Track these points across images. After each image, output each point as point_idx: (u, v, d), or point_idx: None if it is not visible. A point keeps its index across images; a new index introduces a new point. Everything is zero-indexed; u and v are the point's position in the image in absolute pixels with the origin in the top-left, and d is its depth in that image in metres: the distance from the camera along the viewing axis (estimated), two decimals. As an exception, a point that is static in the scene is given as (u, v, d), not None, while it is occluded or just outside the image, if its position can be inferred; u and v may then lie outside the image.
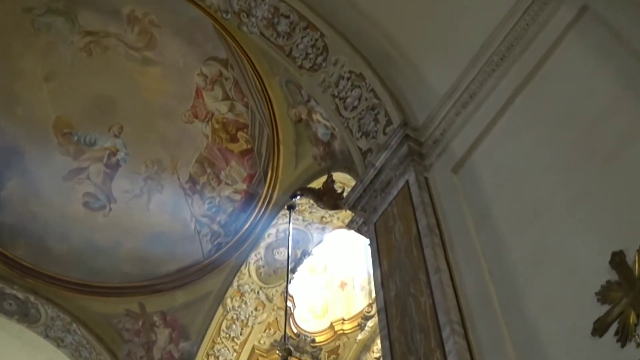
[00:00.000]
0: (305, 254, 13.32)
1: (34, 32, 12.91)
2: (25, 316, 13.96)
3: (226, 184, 13.80)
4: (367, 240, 8.73)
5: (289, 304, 13.67)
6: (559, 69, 6.68)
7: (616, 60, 6.00)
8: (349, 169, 10.43)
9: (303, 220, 12.77)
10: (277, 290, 13.67)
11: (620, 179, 5.39)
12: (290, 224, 11.95)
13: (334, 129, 10.58)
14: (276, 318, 13.88)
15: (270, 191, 12.92)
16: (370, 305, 14.46)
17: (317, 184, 11.43)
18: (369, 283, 14.97)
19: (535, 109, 6.79)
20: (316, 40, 9.73)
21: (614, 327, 4.71)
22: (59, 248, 14.11)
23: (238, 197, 13.70)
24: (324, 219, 12.77)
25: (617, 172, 5.44)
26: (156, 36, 12.98)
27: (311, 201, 11.87)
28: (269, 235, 13.23)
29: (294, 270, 13.19)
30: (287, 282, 12.09)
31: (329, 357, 14.52)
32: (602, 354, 4.72)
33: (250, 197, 13.44)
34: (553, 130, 6.37)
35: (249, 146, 13.22)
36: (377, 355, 13.95)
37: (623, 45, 5.98)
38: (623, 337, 4.62)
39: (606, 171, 5.54)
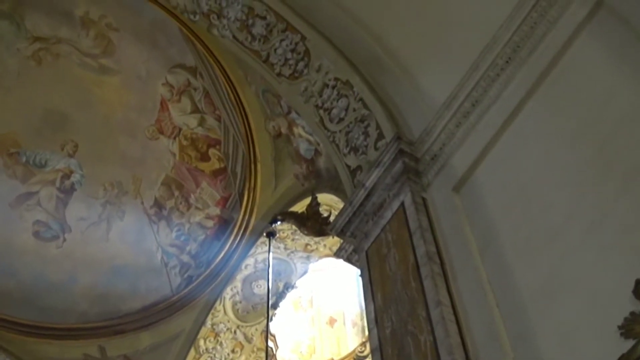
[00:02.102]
0: (288, 286, 13.33)
1: (-27, 40, 12.93)
2: (-34, 364, 13.86)
3: (197, 208, 13.82)
4: (358, 271, 8.71)
5: (271, 344, 13.65)
6: (572, 72, 6.66)
7: (636, 60, 6.00)
8: (336, 189, 10.43)
9: (285, 248, 12.78)
10: (256, 329, 13.67)
11: (645, 196, 5.38)
12: (271, 253, 11.98)
13: (318, 144, 10.60)
14: (256, 360, 13.88)
15: (247, 216, 12.93)
16: (363, 344, 14.47)
17: (300, 207, 11.47)
18: (362, 319, 14.98)
19: (546, 117, 6.77)
20: (296, 43, 9.75)
21: (641, 365, 4.68)
22: (5, 284, 14.03)
23: (210, 223, 13.71)
24: (308, 247, 12.77)
25: (640, 188, 5.44)
26: (114, 41, 13.02)
27: (294, 227, 11.90)
28: (246, 267, 13.24)
29: (275, 306, 13.19)
30: (268, 319, 12.08)
31: (317, 404, 14.53)
32: (627, 396, 4.69)
33: (224, 224, 13.45)
34: (567, 141, 6.34)
35: (222, 165, 13.25)
36: (372, 401, 13.93)
37: (645, 43, 6.00)
38: (652, 376, 4.60)
39: (628, 187, 5.50)
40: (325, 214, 10.86)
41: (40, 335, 14.05)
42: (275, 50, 9.95)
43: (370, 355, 12.83)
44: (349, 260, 8.97)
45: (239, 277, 13.33)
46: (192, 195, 13.79)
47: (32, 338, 14.00)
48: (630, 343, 4.79)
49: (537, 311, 5.78)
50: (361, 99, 9.15)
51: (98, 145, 14.15)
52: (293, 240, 12.67)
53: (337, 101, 9.44)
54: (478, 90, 7.65)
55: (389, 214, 8.03)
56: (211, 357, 13.64)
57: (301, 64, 9.77)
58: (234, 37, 10.20)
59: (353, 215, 8.55)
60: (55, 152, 14.17)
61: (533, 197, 6.44)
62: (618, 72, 6.10)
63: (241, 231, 13.09)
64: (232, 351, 13.69)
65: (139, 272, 14.31)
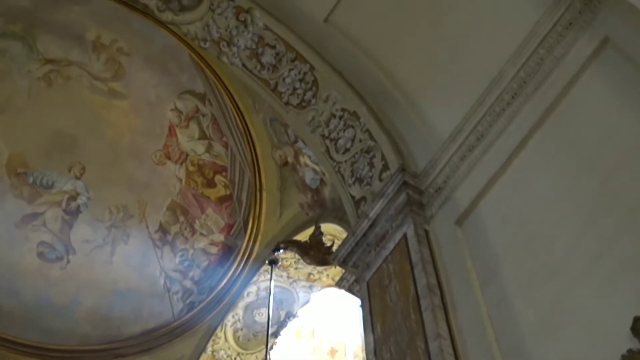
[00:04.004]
0: (289, 315, 13.26)
1: (-15, 59, 13.01)
2: (-34, 384, 13.81)
3: (201, 234, 13.80)
4: (359, 301, 8.68)
5: (270, 373, 13.57)
6: (578, 108, 6.66)
7: (640, 98, 6.02)
8: (340, 219, 10.42)
9: (288, 277, 12.74)
10: (257, 357, 13.60)
11: (646, 234, 5.35)
12: (272, 281, 11.90)
13: (324, 174, 10.59)
14: (256, 389, 13.80)
15: (250, 244, 12.91)
16: (363, 376, 14.38)
17: (304, 236, 11.42)
18: (363, 350, 14.90)
19: (550, 152, 6.76)
20: (305, 73, 9.79)
21: (639, 403, 4.64)
22: (8, 304, 13.99)
23: (214, 249, 13.69)
24: (311, 277, 12.74)
25: (642, 226, 5.41)
26: (125, 66, 13.08)
27: (297, 256, 11.85)
28: (248, 294, 13.19)
29: (276, 334, 13.13)
30: (268, 347, 12.01)
31: None
32: None
33: (228, 250, 13.43)
34: (570, 177, 6.33)
35: (228, 192, 13.25)
36: None
37: (649, 81, 6.00)
38: (649, 415, 4.56)
39: (629, 223, 5.49)
40: (329, 244, 10.81)
41: (41, 357, 13.99)
42: (283, 79, 9.98)
43: (369, 387, 12.79)
44: (350, 290, 8.94)
45: (241, 304, 13.29)
46: (197, 221, 13.79)
47: (33, 359, 13.93)
48: (627, 380, 4.77)
49: (536, 346, 5.75)
50: (367, 130, 9.17)
51: (105, 169, 14.19)
52: (296, 269, 12.64)
53: (344, 131, 9.45)
54: (483, 124, 7.66)
55: (391, 245, 8.01)
56: (211, 384, 13.57)
57: (309, 94, 9.80)
58: (243, 65, 10.23)
59: (356, 245, 8.53)
60: (63, 174, 14.21)
61: (535, 232, 6.42)
62: (622, 109, 6.11)
63: (244, 258, 13.07)
64: (232, 379, 13.63)
65: (141, 297, 14.27)
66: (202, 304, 13.72)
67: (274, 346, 13.42)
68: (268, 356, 12.42)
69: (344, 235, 9.48)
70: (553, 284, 5.88)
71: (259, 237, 12.76)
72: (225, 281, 13.41)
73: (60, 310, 14.26)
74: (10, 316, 13.96)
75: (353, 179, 9.26)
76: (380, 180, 8.77)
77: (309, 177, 11.21)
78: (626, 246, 5.40)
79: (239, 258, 13.19)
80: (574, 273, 5.74)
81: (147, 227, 14.28)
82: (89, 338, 14.25)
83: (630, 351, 4.83)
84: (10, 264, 14.06)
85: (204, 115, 12.88)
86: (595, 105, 6.45)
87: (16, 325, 13.95)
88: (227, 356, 13.53)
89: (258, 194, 12.47)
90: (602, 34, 6.61)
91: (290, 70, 9.90)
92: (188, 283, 14.01)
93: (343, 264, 8.80)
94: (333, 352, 15.74)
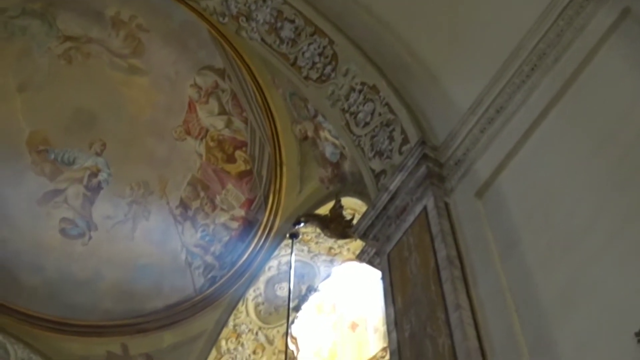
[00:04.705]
0: (310, 289, 13.30)
1: (7, 36, 13.08)
2: (-8, 357, 13.99)
3: (222, 209, 13.85)
4: (380, 274, 8.71)
5: (292, 346, 13.64)
6: (598, 79, 6.65)
7: (661, 70, 6.02)
8: (360, 193, 10.44)
9: (308, 251, 12.77)
10: (278, 331, 13.65)
11: (666, 207, 5.36)
12: (293, 255, 11.95)
13: (344, 148, 10.61)
14: (277, 362, 13.86)
15: (271, 218, 12.95)
16: (384, 349, 14.39)
17: (324, 210, 11.47)
18: (384, 324, 14.94)
19: (571, 124, 6.77)
20: (324, 47, 9.79)
21: (657, 371, 4.67)
22: (31, 280, 14.16)
23: (235, 224, 13.74)
24: (332, 250, 12.76)
25: (663, 199, 5.41)
26: (144, 42, 13.12)
27: (318, 230, 11.88)
28: (269, 268, 13.23)
29: (297, 309, 13.18)
30: (289, 321, 12.07)
31: (337, 409, 14.49)
32: (644, 402, 4.68)
33: (248, 225, 13.48)
34: (591, 148, 6.32)
35: (248, 167, 13.28)
36: (393, 407, 13.89)
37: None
38: (667, 383, 4.59)
39: (650, 198, 5.51)
40: (349, 217, 10.85)
41: (64, 332, 14.14)
42: (303, 53, 9.98)
43: None
44: (370, 263, 8.96)
45: (262, 278, 13.32)
46: (217, 197, 13.83)
47: (56, 334, 14.10)
48: (647, 350, 4.80)
49: (556, 317, 5.76)
50: (387, 104, 9.16)
51: (126, 145, 14.26)
52: (317, 243, 12.66)
53: (364, 105, 9.45)
54: (503, 96, 7.66)
55: (411, 218, 8.04)
56: (232, 358, 13.63)
57: (328, 68, 9.80)
58: (262, 40, 10.25)
59: (376, 218, 8.56)
60: (83, 151, 14.30)
61: (554, 205, 6.42)
62: (643, 81, 6.11)
63: (265, 233, 13.11)
64: (254, 352, 13.68)
65: (163, 272, 14.36)
66: (224, 279, 13.78)
67: (295, 320, 13.49)
68: (289, 330, 12.50)
69: (364, 208, 9.50)
70: (573, 257, 5.89)
71: (280, 212, 12.78)
72: (246, 256, 13.45)
73: (83, 285, 14.41)
74: (34, 292, 14.13)
75: (373, 153, 9.27)
76: (400, 153, 8.78)
77: (329, 151, 11.22)
78: (648, 219, 5.41)
79: (259, 233, 13.23)
80: (593, 245, 5.74)
81: (168, 202, 14.35)
82: (111, 313, 14.38)
83: (646, 328, 4.87)
84: (33, 240, 14.21)
85: (223, 91, 12.89)
86: (614, 77, 6.43)
87: (39, 300, 14.12)
88: (249, 330, 13.60)
89: (278, 168, 12.49)
90: (623, 4, 6.59)
91: (309, 44, 9.90)
92: (209, 258, 14.07)
93: (363, 237, 8.84)
94: (354, 326, 15.74)
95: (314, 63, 9.92)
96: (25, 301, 14.01)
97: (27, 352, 13.87)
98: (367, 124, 9.42)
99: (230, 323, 13.57)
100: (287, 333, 12.34)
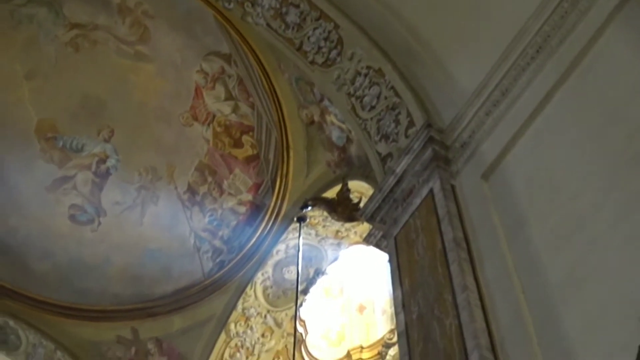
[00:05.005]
0: (318, 273, 13.35)
1: (14, 24, 13.10)
2: (3, 343, 14.05)
3: (229, 194, 13.89)
4: (387, 257, 8.75)
5: (300, 329, 13.72)
6: (603, 61, 6.64)
7: (666, 51, 6.03)
8: (367, 176, 10.48)
9: (316, 234, 12.81)
10: (286, 314, 13.72)
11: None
12: (301, 238, 11.99)
13: (350, 132, 10.64)
14: (286, 345, 13.92)
15: (278, 202, 12.99)
16: (392, 331, 14.47)
17: (331, 193, 11.49)
18: (391, 306, 14.99)
19: (576, 106, 6.77)
20: (329, 32, 9.79)
21: (660, 351, 4.70)
22: (42, 266, 14.26)
23: (243, 209, 13.78)
24: (339, 234, 12.80)
25: (669, 180, 5.44)
26: (150, 29, 13.14)
27: (325, 214, 11.91)
28: (277, 252, 13.29)
29: (305, 292, 13.23)
30: (297, 304, 12.12)
31: (345, 390, 14.56)
32: (648, 381, 4.71)
33: (256, 209, 13.52)
34: (596, 130, 6.34)
35: (255, 152, 13.31)
36: (401, 388, 13.95)
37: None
38: (670, 362, 4.62)
39: (655, 178, 5.53)
40: (356, 200, 10.87)
41: (75, 317, 14.26)
42: (308, 38, 9.99)
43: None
44: (377, 246, 9.00)
45: (270, 262, 13.38)
46: (225, 181, 13.86)
47: (68, 319, 14.22)
48: (652, 330, 4.84)
49: (562, 298, 5.79)
50: (392, 87, 9.17)
51: (133, 131, 14.29)
52: (324, 227, 12.70)
53: (369, 89, 9.46)
54: (508, 79, 7.67)
55: (417, 201, 8.07)
56: (241, 341, 13.71)
57: (334, 52, 9.80)
58: (267, 25, 10.25)
59: (383, 201, 8.60)
60: (92, 137, 14.34)
61: (560, 187, 6.44)
62: (646, 63, 6.12)
63: (273, 217, 13.15)
64: (262, 335, 13.76)
65: (172, 256, 14.42)
66: (232, 263, 13.84)
67: (303, 303, 13.55)
68: (297, 313, 12.56)
69: (371, 192, 9.51)
70: (578, 239, 5.92)
71: (287, 196, 12.81)
72: (254, 240, 13.50)
73: (93, 271, 14.49)
74: (45, 278, 14.22)
75: (379, 136, 9.29)
76: (406, 136, 8.79)
77: (335, 135, 11.25)
78: (652, 201, 5.44)
79: (267, 217, 13.27)
80: (600, 227, 5.76)
81: (176, 188, 14.39)
82: (121, 297, 14.48)
83: (652, 308, 4.91)
84: (44, 227, 14.28)
85: (229, 76, 12.90)
86: (619, 58, 6.44)
87: (50, 286, 14.22)
88: (258, 313, 13.67)
89: (285, 153, 12.51)
90: (626, -14, 6.60)
91: (314, 29, 9.90)
92: (217, 242, 14.12)
93: (370, 220, 8.87)
94: (362, 308, 15.82)
95: (319, 47, 9.93)
96: (36, 287, 14.10)
97: (39, 338, 13.99)
98: (373, 107, 9.43)
99: (239, 306, 13.63)
100: (295, 316, 12.39)
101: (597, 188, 6.00)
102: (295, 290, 12.13)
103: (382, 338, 14.72)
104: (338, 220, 11.59)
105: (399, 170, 8.44)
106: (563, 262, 5.99)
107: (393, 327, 14.43)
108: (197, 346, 13.88)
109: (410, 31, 9.10)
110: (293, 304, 13.11)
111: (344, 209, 10.90)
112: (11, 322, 13.89)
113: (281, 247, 13.19)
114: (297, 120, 12.07)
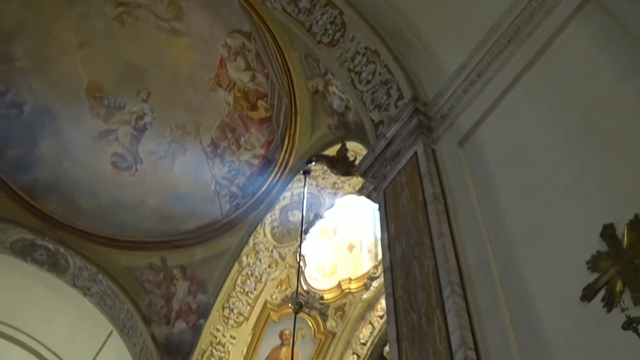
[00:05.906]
0: (317, 216, 13.38)
1: (69, 1, 12.99)
2: (54, 266, 14.17)
3: (245, 149, 13.87)
4: (376, 206, 8.78)
5: (301, 263, 13.79)
6: (563, 53, 6.67)
7: (618, 46, 6.00)
8: (362, 139, 10.47)
9: (316, 185, 12.83)
10: (289, 250, 13.78)
11: (616, 159, 5.42)
12: (305, 188, 12.03)
13: (349, 101, 10.62)
14: (288, 275, 14.03)
15: (286, 157, 12.98)
16: (375, 266, 14.59)
17: (331, 151, 11.50)
18: (376, 246, 15.10)
19: (539, 89, 6.80)
20: (335, 17, 9.74)
21: (602, 293, 4.78)
22: (88, 204, 14.28)
23: (256, 161, 13.77)
24: (335, 185, 12.81)
25: (614, 152, 5.47)
26: (184, 8, 13.02)
27: (325, 167, 11.94)
28: (284, 198, 13.31)
29: (306, 232, 13.27)
30: (301, 242, 12.19)
31: (335, 313, 14.68)
32: (590, 318, 4.80)
33: (267, 162, 13.51)
34: (556, 110, 6.36)
35: (268, 114, 13.27)
36: (381, 313, 14.12)
37: (625, 32, 5.98)
38: (609, 302, 4.70)
39: (604, 151, 5.57)
40: (352, 158, 10.88)
41: (114, 247, 14.29)
42: (317, 21, 9.93)
43: (381, 276, 12.98)
44: (369, 197, 9.00)
45: (278, 206, 13.39)
46: (242, 138, 13.82)
47: (107, 248, 14.25)
48: (594, 275, 4.91)
49: (523, 248, 5.85)
50: (386, 66, 9.15)
51: (167, 94, 14.19)
52: (323, 178, 12.69)
53: (366, 66, 9.43)
54: (484, 63, 7.67)
55: (404, 161, 8.08)
56: (251, 271, 13.77)
57: (338, 34, 9.76)
58: (283, 9, 10.18)
59: (375, 160, 8.60)
60: (132, 98, 14.25)
61: (524, 154, 6.47)
62: (602, 55, 6.12)
63: (281, 169, 13.14)
64: (269, 266, 13.81)
65: (196, 199, 14.42)
66: (246, 206, 13.84)
67: (303, 241, 13.61)
68: (299, 249, 12.66)
69: (365, 152, 9.52)
70: (538, 198, 5.97)
71: (294, 152, 12.79)
72: (264, 187, 13.49)
73: (130, 209, 14.50)
74: (90, 213, 14.24)
75: (373, 106, 9.28)
76: (396, 107, 8.80)
77: (336, 103, 11.22)
78: (601, 170, 5.49)
79: (276, 169, 13.26)
80: (556, 189, 5.82)
81: (201, 142, 14.34)
82: (153, 232, 14.50)
83: (598, 252, 4.99)
84: (91, 171, 14.26)
85: (249, 51, 12.81)
86: (578, 51, 6.46)
87: (95, 220, 14.25)
88: (265, 248, 13.71)
89: (293, 116, 12.48)
90: (587, -11, 6.59)
91: (322, 14, 9.84)
92: (234, 188, 14.11)
93: (364, 175, 8.88)
94: (351, 247, 15.91)
95: (326, 30, 9.88)
96: (83, 221, 14.12)
97: (84, 262, 14.06)
98: (368, 81, 9.41)
99: (250, 242, 13.66)
100: (299, 251, 12.48)
101: (555, 156, 6.04)
102: (297, 230, 12.21)
103: (367, 272, 14.84)
104: (336, 174, 11.61)
105: (389, 135, 8.45)
106: (524, 217, 6.03)
107: (376, 263, 14.56)
108: (214, 273, 13.95)
109: (403, 19, 9.06)
110: (295, 241, 13.20)
111: (342, 166, 10.91)
112: (61, 249, 13.96)
113: (287, 194, 13.19)
114: (304, 89, 12.02)
